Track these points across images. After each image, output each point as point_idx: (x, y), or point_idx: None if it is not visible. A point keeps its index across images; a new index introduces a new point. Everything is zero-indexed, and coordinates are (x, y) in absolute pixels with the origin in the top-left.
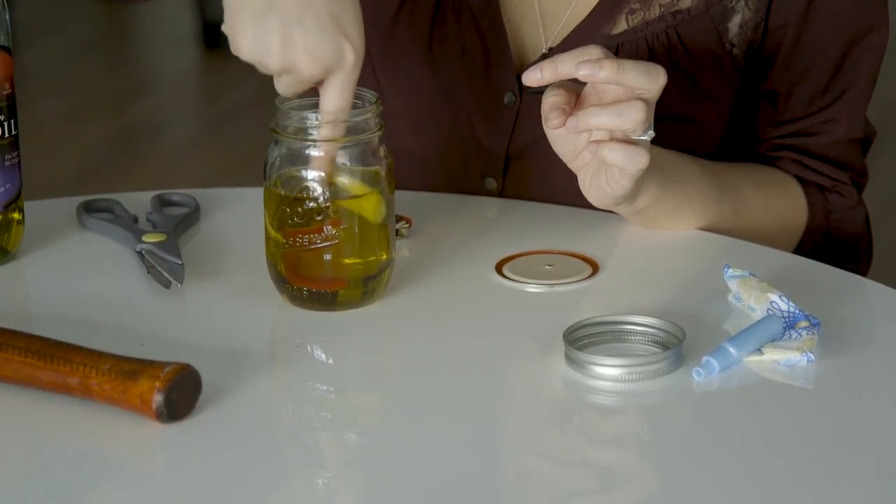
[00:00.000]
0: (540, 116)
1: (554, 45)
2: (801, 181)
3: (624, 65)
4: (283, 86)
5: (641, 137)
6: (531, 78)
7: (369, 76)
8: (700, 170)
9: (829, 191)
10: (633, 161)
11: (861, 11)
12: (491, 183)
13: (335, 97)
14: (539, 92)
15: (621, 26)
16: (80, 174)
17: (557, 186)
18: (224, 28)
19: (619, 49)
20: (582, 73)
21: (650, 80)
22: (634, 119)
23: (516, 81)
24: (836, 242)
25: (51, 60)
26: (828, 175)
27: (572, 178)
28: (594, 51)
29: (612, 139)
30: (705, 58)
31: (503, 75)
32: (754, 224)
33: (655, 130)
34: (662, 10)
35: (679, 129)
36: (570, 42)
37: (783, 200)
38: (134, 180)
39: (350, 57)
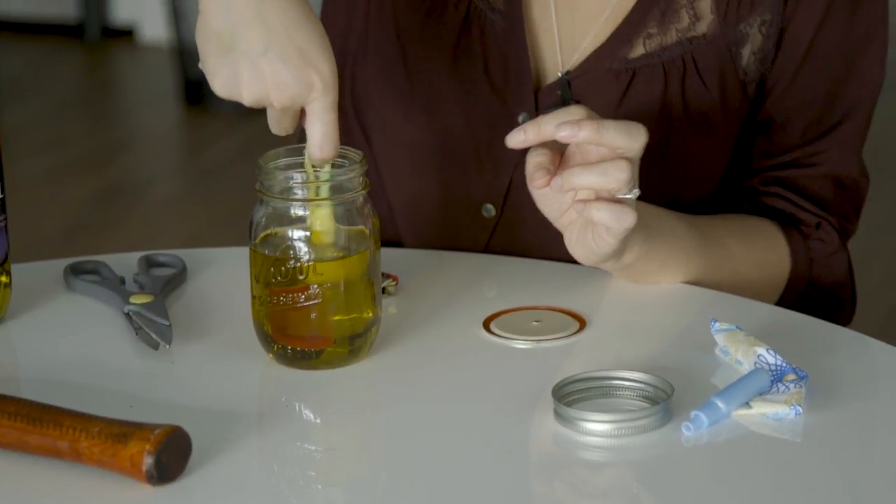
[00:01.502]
0: (555, 141)
1: (571, 68)
2: (785, 224)
3: (604, 125)
4: (270, 121)
5: (627, 196)
6: (515, 140)
7: (390, 89)
8: (685, 225)
9: (811, 238)
10: (620, 220)
11: (861, 29)
12: (489, 210)
13: (316, 124)
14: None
15: (639, 51)
16: (63, 233)
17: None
18: (200, 66)
19: (636, 74)
20: (562, 135)
21: (631, 140)
22: (618, 178)
23: (534, 102)
24: (819, 291)
25: (32, 119)
26: (814, 213)
27: None
28: (576, 111)
29: (598, 199)
30: (719, 85)
31: (521, 94)
32: (739, 276)
33: (661, 170)
34: (679, 35)
35: (685, 167)
36: (589, 65)
37: (766, 252)
38: (118, 238)
39: (318, 83)
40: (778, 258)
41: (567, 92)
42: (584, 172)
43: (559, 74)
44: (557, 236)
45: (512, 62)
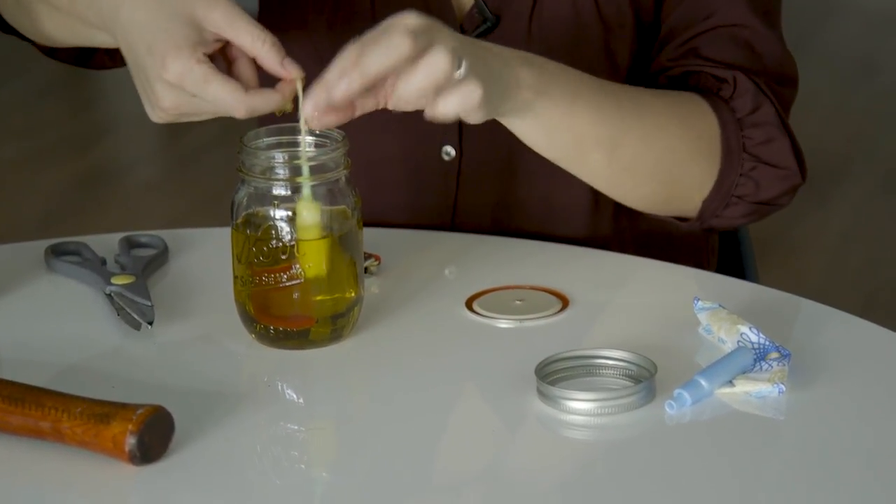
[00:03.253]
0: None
1: None
2: (700, 92)
3: (363, 61)
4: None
5: (460, 76)
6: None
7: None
8: (584, 73)
9: (733, 100)
10: (468, 101)
11: None
12: (449, 152)
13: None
14: (481, 35)
15: None
16: (42, 218)
17: (516, 147)
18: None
19: None
20: (339, 97)
21: (396, 42)
22: (439, 69)
23: (460, 31)
24: (758, 160)
25: (11, 104)
26: (725, 65)
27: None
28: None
29: (437, 95)
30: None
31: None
32: (664, 133)
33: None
34: None
35: (597, 65)
36: None
37: (689, 108)
38: (98, 223)
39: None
40: (702, 115)
41: (485, 10)
42: (406, 85)
43: None
44: (526, 182)
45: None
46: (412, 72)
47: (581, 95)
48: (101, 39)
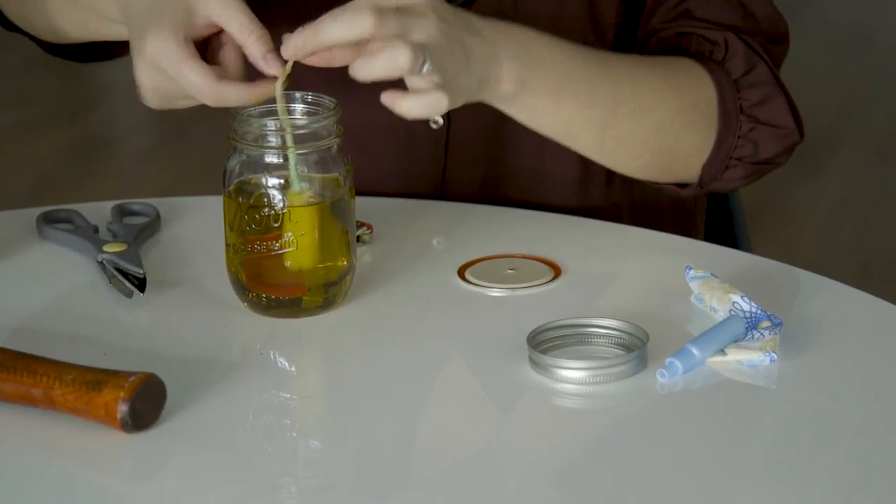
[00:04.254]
0: None
1: None
2: (693, 56)
3: (320, 26)
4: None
5: (424, 74)
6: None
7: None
8: (579, 49)
9: (727, 62)
10: (433, 108)
11: None
12: (438, 121)
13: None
14: (463, 5)
15: None
16: (34, 187)
17: (506, 117)
18: None
19: None
20: (287, 55)
21: (354, 22)
22: (397, 65)
23: None
24: (755, 121)
25: (3, 73)
26: (716, 26)
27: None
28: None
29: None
30: None
31: None
32: (659, 104)
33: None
34: None
35: (581, 35)
36: None
37: (682, 75)
38: (90, 192)
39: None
40: (698, 81)
41: None
42: (361, 69)
43: None
44: (515, 151)
45: None
46: (371, 59)
47: (570, 80)
48: (117, 32)
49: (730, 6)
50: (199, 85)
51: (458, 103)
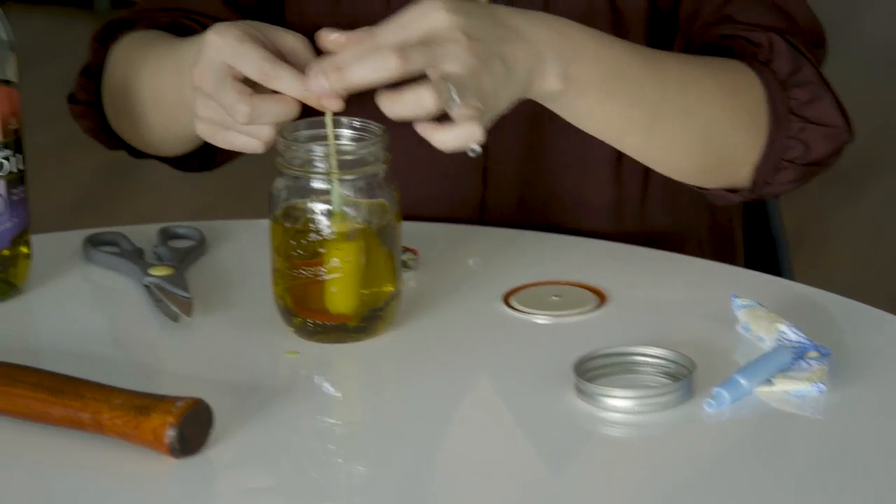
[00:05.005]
0: None
1: None
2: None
3: (344, 71)
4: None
5: (454, 108)
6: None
7: None
8: (628, 46)
9: (772, 63)
10: (467, 140)
11: None
12: (475, 149)
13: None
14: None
15: None
16: (73, 205)
17: (542, 143)
18: None
19: None
20: (313, 92)
21: (381, 68)
22: (423, 106)
23: None
24: (806, 121)
25: (43, 90)
26: (763, 28)
27: (560, 135)
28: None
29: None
30: None
31: None
32: (709, 103)
33: None
34: None
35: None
36: None
37: (732, 73)
38: (128, 210)
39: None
40: (746, 81)
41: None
42: (390, 108)
43: None
44: (551, 177)
45: None
46: (396, 99)
47: (617, 77)
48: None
49: (770, 9)
50: (232, 97)
51: (494, 118)
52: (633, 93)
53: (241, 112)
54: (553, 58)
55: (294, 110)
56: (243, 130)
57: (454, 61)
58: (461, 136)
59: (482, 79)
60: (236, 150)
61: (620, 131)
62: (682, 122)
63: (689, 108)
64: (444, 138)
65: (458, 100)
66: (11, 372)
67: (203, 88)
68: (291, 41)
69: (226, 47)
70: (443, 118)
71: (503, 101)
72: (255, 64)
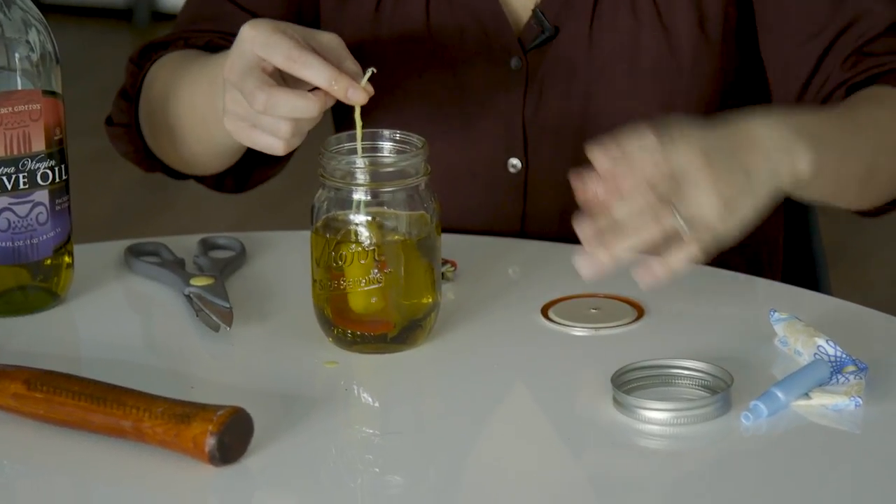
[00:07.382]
0: (552, 77)
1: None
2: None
3: (615, 215)
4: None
5: (681, 228)
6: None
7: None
8: (826, 113)
9: None
10: (690, 257)
11: None
12: (516, 165)
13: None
14: (540, 45)
15: None
16: (111, 216)
17: (582, 158)
18: None
19: (598, 2)
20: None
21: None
22: (645, 239)
23: (519, 45)
24: None
25: (80, 102)
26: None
27: None
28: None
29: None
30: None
31: (505, 40)
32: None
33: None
34: None
35: (670, 82)
36: None
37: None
38: (166, 221)
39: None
40: None
41: (543, 22)
42: (622, 240)
43: (532, 8)
44: None
45: (484, 14)
46: (623, 234)
47: (840, 145)
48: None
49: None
50: (253, 86)
51: (730, 230)
52: (853, 154)
53: (258, 100)
54: (800, 151)
55: (313, 108)
56: (264, 128)
57: (700, 208)
58: (683, 258)
59: (728, 205)
60: (259, 149)
61: (843, 190)
62: (887, 162)
63: (889, 149)
64: (672, 260)
65: (684, 223)
66: (54, 380)
67: (230, 79)
68: (327, 38)
69: (258, 37)
70: None
71: (746, 209)
72: (284, 51)
